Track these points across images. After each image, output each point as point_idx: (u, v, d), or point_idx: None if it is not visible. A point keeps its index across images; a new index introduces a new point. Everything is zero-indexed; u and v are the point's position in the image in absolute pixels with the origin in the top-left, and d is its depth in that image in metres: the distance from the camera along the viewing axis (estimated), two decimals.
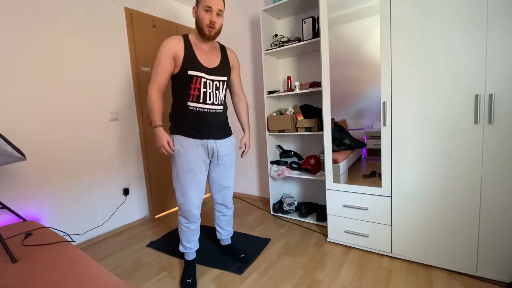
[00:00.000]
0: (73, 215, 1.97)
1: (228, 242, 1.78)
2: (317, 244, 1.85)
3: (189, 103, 1.41)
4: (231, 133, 1.62)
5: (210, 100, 1.44)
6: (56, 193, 1.88)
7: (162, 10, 2.62)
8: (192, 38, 1.44)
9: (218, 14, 1.37)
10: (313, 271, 1.54)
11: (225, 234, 1.74)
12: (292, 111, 2.24)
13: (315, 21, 2.04)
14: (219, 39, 2.91)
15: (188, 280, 1.47)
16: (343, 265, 1.58)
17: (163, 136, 1.36)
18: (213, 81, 1.44)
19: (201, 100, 1.42)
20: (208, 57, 1.45)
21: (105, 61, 2.15)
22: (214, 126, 1.48)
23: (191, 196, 1.46)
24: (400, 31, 1.44)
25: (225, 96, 1.54)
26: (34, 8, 1.75)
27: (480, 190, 1.33)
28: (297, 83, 2.15)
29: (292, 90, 2.20)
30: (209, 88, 1.43)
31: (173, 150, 1.41)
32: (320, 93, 2.13)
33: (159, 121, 1.37)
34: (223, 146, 1.53)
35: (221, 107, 1.51)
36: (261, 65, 2.44)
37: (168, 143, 1.37)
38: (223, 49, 1.56)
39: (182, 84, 1.41)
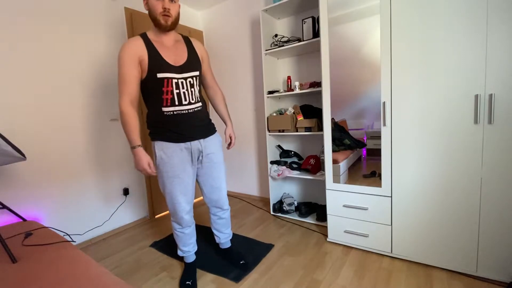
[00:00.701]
0: (73, 215, 1.97)
1: (228, 245, 1.71)
2: (317, 244, 1.85)
3: (164, 109, 1.31)
4: (215, 130, 1.53)
5: (186, 100, 1.34)
6: (56, 193, 1.88)
7: None
8: (151, 34, 1.31)
9: (171, 0, 1.25)
10: (313, 271, 1.54)
11: (223, 237, 1.67)
12: (292, 111, 2.24)
13: (315, 21, 2.04)
14: (217, 37, 2.94)
15: (187, 282, 1.45)
16: (343, 265, 1.58)
17: (143, 158, 1.25)
18: (185, 79, 1.33)
19: (176, 103, 1.31)
20: (174, 53, 1.32)
21: (105, 61, 2.15)
22: (196, 126, 1.39)
23: (180, 202, 1.40)
24: (400, 31, 1.44)
25: (200, 92, 1.43)
26: (33, 8, 1.75)
27: (480, 190, 1.33)
28: (297, 83, 2.15)
29: (292, 90, 2.20)
30: (183, 88, 1.32)
31: (155, 172, 1.32)
32: (320, 93, 2.13)
33: (137, 140, 1.25)
34: (209, 144, 1.44)
35: (199, 104, 1.40)
36: (261, 65, 2.44)
37: (149, 165, 1.27)
38: (188, 41, 1.43)
39: (152, 89, 1.30)
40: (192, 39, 1.47)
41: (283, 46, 2.16)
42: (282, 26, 2.43)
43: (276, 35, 2.31)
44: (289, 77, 2.31)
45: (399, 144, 1.52)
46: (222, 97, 1.60)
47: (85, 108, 2.03)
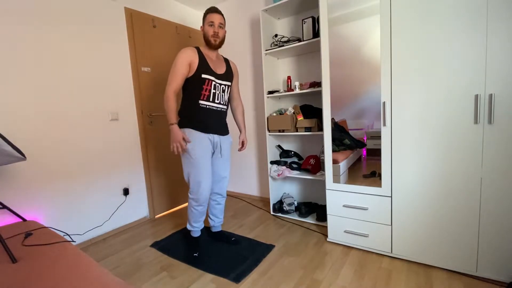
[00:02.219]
0: (73, 215, 1.97)
1: (219, 229, 2.00)
2: (317, 244, 1.85)
3: (201, 101, 1.65)
4: (228, 131, 1.86)
5: (217, 100, 1.71)
6: (56, 193, 1.88)
7: (162, 10, 2.62)
8: (202, 49, 1.71)
9: (219, 27, 1.66)
10: (313, 271, 1.54)
11: (218, 221, 1.97)
12: (292, 111, 2.24)
13: (315, 21, 2.04)
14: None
15: (195, 254, 1.72)
16: (343, 265, 1.58)
17: (179, 132, 1.57)
18: (220, 84, 1.71)
19: (210, 99, 1.67)
20: (216, 65, 1.71)
21: (105, 61, 2.15)
22: (219, 123, 1.75)
23: (202, 182, 1.66)
24: (400, 31, 1.44)
25: (228, 98, 1.82)
26: (33, 8, 1.75)
27: (480, 190, 1.33)
28: (297, 83, 2.15)
29: (292, 90, 2.20)
30: (218, 90, 1.70)
31: (186, 148, 1.60)
32: (320, 93, 2.13)
33: (175, 119, 1.57)
34: (224, 141, 1.79)
35: (225, 106, 1.79)
36: (261, 65, 2.44)
37: (183, 139, 1.57)
38: (226, 61, 1.84)
39: (195, 85, 1.64)
40: (230, 61, 1.87)
41: (283, 46, 2.16)
42: (282, 26, 2.43)
43: (276, 35, 2.31)
44: (289, 77, 2.31)
45: (399, 144, 1.52)
46: (242, 110, 1.97)
47: (85, 108, 2.03)
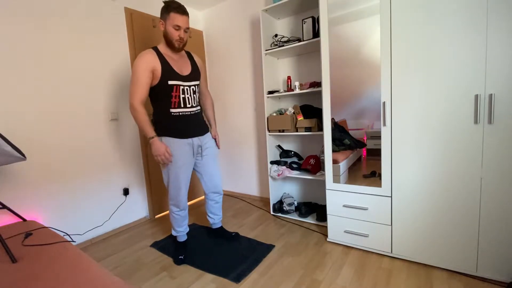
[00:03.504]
0: (73, 215, 1.97)
1: (219, 225, 2.01)
2: (317, 244, 1.85)
3: (172, 110, 1.59)
4: (209, 129, 1.85)
5: (189, 104, 1.64)
6: (56, 193, 1.88)
7: None
8: (162, 49, 1.58)
9: (185, 31, 1.55)
10: (313, 271, 1.54)
11: (217, 218, 1.98)
12: (292, 111, 2.24)
13: (315, 21, 2.04)
14: (217, 37, 2.94)
15: (180, 257, 1.70)
16: (343, 265, 1.58)
17: (161, 145, 1.51)
18: (189, 86, 1.63)
19: (182, 105, 1.61)
20: (180, 65, 1.62)
21: (105, 61, 2.15)
22: (196, 125, 1.70)
23: (182, 188, 1.66)
24: (400, 31, 1.44)
25: (198, 97, 1.77)
26: (33, 8, 1.75)
27: (480, 190, 1.33)
28: (297, 83, 2.15)
29: (292, 90, 2.20)
30: (187, 93, 1.62)
31: (171, 159, 1.56)
32: (320, 93, 2.13)
33: (152, 131, 1.52)
34: (206, 140, 1.77)
35: (198, 107, 1.74)
36: (261, 65, 2.44)
37: (166, 151, 1.52)
38: (190, 56, 1.74)
39: (163, 94, 1.56)
40: (193, 54, 1.77)
41: (283, 46, 2.16)
42: (282, 26, 2.43)
43: (276, 35, 2.31)
44: (289, 77, 2.31)
45: (399, 144, 1.52)
46: (211, 103, 1.91)
47: (85, 108, 2.03)
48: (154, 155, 1.52)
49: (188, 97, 1.63)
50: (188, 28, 1.56)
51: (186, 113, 1.63)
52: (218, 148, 1.88)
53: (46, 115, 1.82)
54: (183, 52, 1.71)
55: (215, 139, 1.86)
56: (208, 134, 1.80)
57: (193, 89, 1.66)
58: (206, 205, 1.94)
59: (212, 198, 1.89)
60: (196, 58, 1.76)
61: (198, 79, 1.70)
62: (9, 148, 1.30)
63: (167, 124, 1.59)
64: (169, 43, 1.56)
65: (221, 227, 2.02)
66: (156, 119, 1.62)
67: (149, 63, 1.48)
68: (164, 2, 1.53)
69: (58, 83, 1.88)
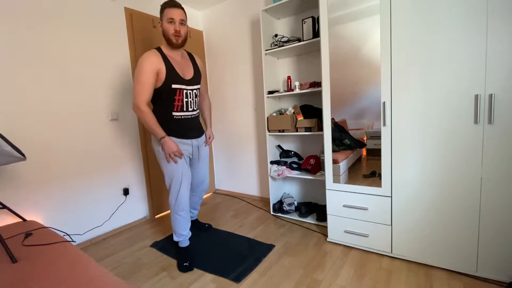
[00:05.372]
0: (73, 215, 1.97)
1: (195, 218, 2.15)
2: (317, 244, 1.85)
3: (174, 113, 1.61)
4: (204, 131, 1.89)
5: (191, 107, 1.68)
6: (56, 193, 1.88)
7: None
8: (165, 50, 1.58)
9: (181, 23, 1.53)
10: (313, 271, 1.54)
11: (195, 213, 2.12)
12: (292, 111, 2.24)
13: (315, 21, 2.04)
14: (217, 37, 2.94)
15: (185, 264, 1.63)
16: (343, 265, 1.58)
17: (174, 144, 1.55)
18: (192, 90, 1.66)
19: (184, 109, 1.64)
20: (183, 68, 1.63)
21: (105, 61, 2.15)
22: (194, 128, 1.75)
23: (184, 186, 1.66)
24: (400, 31, 1.44)
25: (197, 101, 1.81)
26: (33, 8, 1.75)
27: (480, 190, 1.33)
28: (297, 83, 2.15)
29: (292, 90, 2.20)
30: (190, 97, 1.65)
31: (182, 155, 1.60)
32: (320, 93, 2.13)
33: (162, 131, 1.53)
34: (202, 142, 1.83)
35: (197, 111, 1.78)
36: (261, 65, 2.44)
37: (178, 148, 1.56)
38: (192, 58, 1.75)
39: (166, 97, 1.58)
40: (194, 56, 1.79)
41: (283, 46, 2.16)
42: (282, 26, 2.43)
43: (276, 35, 2.31)
44: (289, 77, 2.31)
45: (399, 144, 1.52)
46: (209, 104, 1.97)
47: (85, 108, 2.03)
48: (167, 153, 1.54)
49: (190, 101, 1.66)
50: (183, 20, 1.54)
51: (187, 116, 1.66)
52: (206, 144, 1.89)
53: (46, 115, 1.82)
54: (185, 53, 1.73)
55: (209, 138, 1.91)
56: (203, 136, 1.86)
57: (195, 93, 1.69)
58: (190, 202, 1.94)
59: (198, 193, 1.98)
60: (197, 60, 1.78)
61: (199, 83, 1.73)
62: (9, 148, 1.30)
63: (167, 126, 1.60)
64: (168, 40, 1.54)
65: (196, 219, 2.16)
66: (156, 118, 1.59)
67: (154, 65, 1.48)
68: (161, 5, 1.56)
69: (58, 83, 1.88)
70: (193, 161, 1.82)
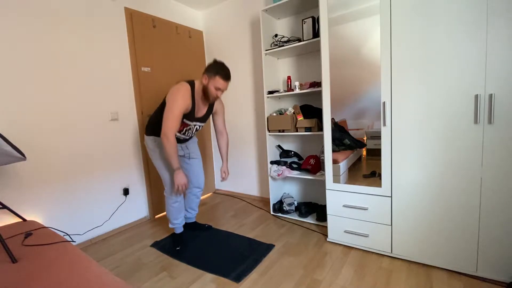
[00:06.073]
0: (73, 215, 1.97)
1: (194, 220, 2.19)
2: (317, 244, 1.85)
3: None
4: (196, 138, 2.07)
5: (188, 135, 1.86)
6: (56, 193, 1.88)
7: (162, 10, 2.62)
8: (198, 89, 1.70)
9: (222, 91, 1.70)
10: (313, 271, 1.54)
11: (194, 213, 2.16)
12: (292, 111, 2.24)
13: (315, 21, 2.04)
14: (217, 37, 2.95)
15: (177, 248, 1.85)
16: (343, 265, 1.58)
17: (184, 176, 1.66)
18: (195, 125, 1.81)
19: (182, 133, 1.80)
20: (200, 108, 1.77)
21: (105, 61, 2.15)
22: (186, 140, 1.94)
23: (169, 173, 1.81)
24: (400, 31, 1.44)
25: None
26: (33, 8, 1.75)
27: (480, 190, 1.33)
28: (297, 83, 2.15)
29: (292, 90, 2.20)
30: (191, 129, 1.82)
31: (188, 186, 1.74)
32: (320, 93, 2.13)
33: (178, 163, 1.65)
34: (191, 144, 2.00)
35: (193, 136, 1.99)
36: (261, 65, 2.44)
37: (186, 182, 1.66)
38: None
39: None
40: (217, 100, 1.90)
41: (283, 46, 2.16)
42: (282, 26, 2.43)
43: (276, 35, 2.31)
44: (289, 77, 2.31)
45: (399, 144, 1.52)
46: (227, 141, 2.04)
47: (85, 108, 2.03)
48: (177, 184, 1.64)
49: (189, 131, 1.82)
50: (226, 89, 1.71)
51: (181, 137, 1.84)
52: (222, 181, 2.06)
53: (46, 115, 1.82)
54: None
55: (224, 174, 2.01)
56: (195, 140, 2.03)
57: (197, 127, 1.85)
58: (186, 201, 2.08)
59: (195, 193, 2.06)
60: (216, 104, 1.88)
61: (205, 121, 1.88)
62: (9, 148, 1.30)
63: None
64: (206, 95, 1.69)
65: (195, 221, 2.20)
66: (155, 122, 1.74)
67: (186, 103, 1.63)
68: (215, 62, 1.66)
69: (58, 83, 1.88)
70: (184, 162, 1.98)
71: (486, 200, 1.32)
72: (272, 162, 2.41)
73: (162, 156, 1.78)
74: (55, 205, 1.88)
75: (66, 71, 1.92)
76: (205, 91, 1.68)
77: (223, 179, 2.02)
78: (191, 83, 1.68)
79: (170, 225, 1.95)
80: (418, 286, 1.36)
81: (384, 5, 1.47)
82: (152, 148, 1.80)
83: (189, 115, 1.70)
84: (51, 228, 1.53)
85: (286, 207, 2.35)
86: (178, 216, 1.92)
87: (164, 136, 1.58)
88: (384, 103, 1.53)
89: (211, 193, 3.22)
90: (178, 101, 1.60)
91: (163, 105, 1.70)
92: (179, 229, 1.97)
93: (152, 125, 1.78)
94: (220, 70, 1.62)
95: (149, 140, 1.80)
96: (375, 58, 1.55)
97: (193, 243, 1.94)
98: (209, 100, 1.71)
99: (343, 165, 1.78)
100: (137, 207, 2.42)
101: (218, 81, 1.62)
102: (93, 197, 2.09)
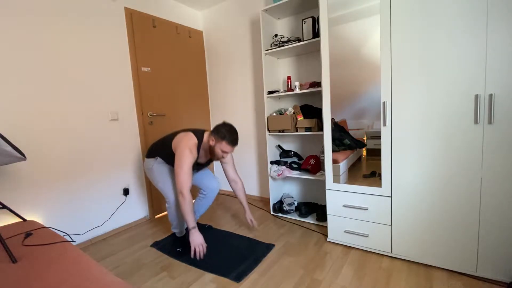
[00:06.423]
0: (73, 215, 1.97)
1: (197, 219, 2.13)
2: (317, 244, 1.85)
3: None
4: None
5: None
6: (56, 193, 1.88)
7: (162, 10, 2.62)
8: (205, 144, 1.74)
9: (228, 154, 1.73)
10: (313, 271, 1.54)
11: (199, 215, 2.10)
12: (292, 111, 2.24)
13: (315, 21, 2.04)
14: (217, 37, 2.95)
15: (178, 250, 1.83)
16: (343, 265, 1.58)
17: (200, 236, 1.63)
18: (193, 169, 1.76)
19: None
20: (202, 158, 1.80)
21: (105, 61, 2.15)
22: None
23: (169, 180, 1.82)
24: (400, 31, 1.44)
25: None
26: (33, 8, 1.75)
27: (480, 190, 1.33)
28: (297, 83, 2.15)
29: (292, 90, 2.20)
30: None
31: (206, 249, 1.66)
32: (320, 93, 2.13)
33: (194, 222, 1.63)
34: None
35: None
36: (261, 65, 2.44)
37: (202, 242, 1.62)
38: None
39: (173, 164, 1.72)
40: None
41: (283, 46, 2.16)
42: (282, 26, 2.43)
43: (276, 35, 2.31)
44: (289, 77, 2.31)
45: (399, 144, 1.52)
46: (242, 187, 2.03)
47: (85, 108, 2.03)
48: (193, 245, 1.59)
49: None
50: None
51: None
52: (253, 228, 2.09)
53: (46, 115, 1.82)
54: None
55: (251, 221, 2.01)
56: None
57: (196, 170, 1.89)
58: (199, 202, 2.03)
59: (209, 193, 2.02)
60: None
61: (205, 166, 1.94)
62: (9, 148, 1.30)
63: (166, 158, 1.79)
64: (212, 154, 1.74)
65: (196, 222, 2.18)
66: (158, 150, 1.82)
67: (193, 157, 1.67)
68: (224, 125, 1.69)
69: (58, 83, 1.88)
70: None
71: (486, 200, 1.32)
72: (272, 162, 2.41)
73: (159, 170, 1.79)
74: (55, 205, 1.88)
75: (66, 71, 1.92)
76: (211, 151, 1.73)
77: (253, 226, 2.03)
78: (199, 136, 1.72)
79: (172, 229, 1.92)
80: (418, 286, 1.36)
81: (384, 5, 1.47)
82: (149, 168, 1.82)
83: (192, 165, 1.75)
84: (51, 228, 1.52)
85: (286, 207, 2.35)
86: (182, 224, 1.91)
87: (179, 194, 1.60)
88: (384, 103, 1.53)
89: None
90: (186, 157, 1.62)
91: (168, 141, 1.76)
92: (181, 233, 1.95)
93: (154, 150, 1.84)
94: (228, 135, 1.65)
95: (148, 161, 1.84)
96: (375, 58, 1.55)
97: None
98: (214, 159, 1.77)
99: (343, 165, 1.78)
100: (137, 207, 2.42)
101: (225, 146, 1.66)
102: (93, 197, 2.09)
